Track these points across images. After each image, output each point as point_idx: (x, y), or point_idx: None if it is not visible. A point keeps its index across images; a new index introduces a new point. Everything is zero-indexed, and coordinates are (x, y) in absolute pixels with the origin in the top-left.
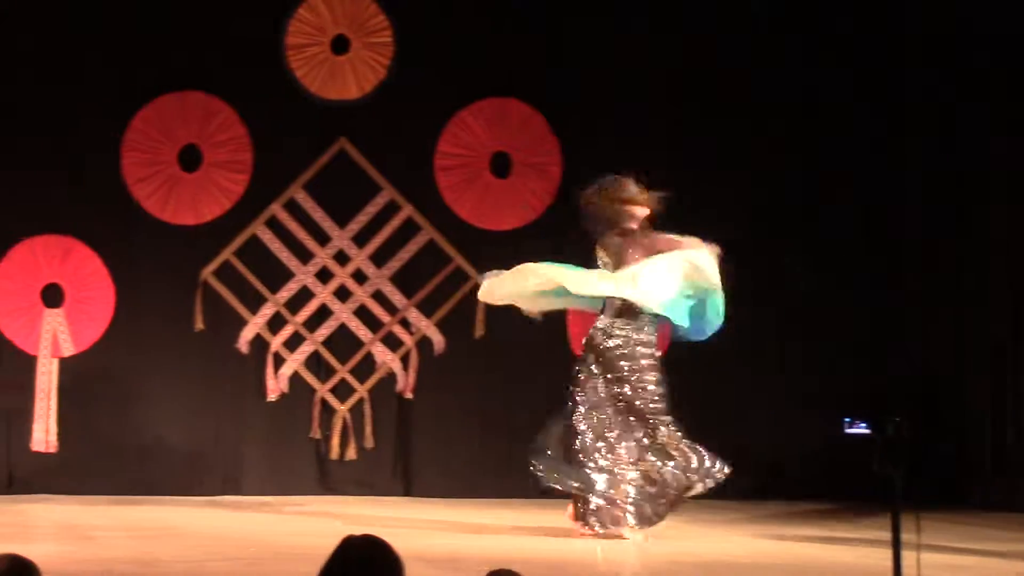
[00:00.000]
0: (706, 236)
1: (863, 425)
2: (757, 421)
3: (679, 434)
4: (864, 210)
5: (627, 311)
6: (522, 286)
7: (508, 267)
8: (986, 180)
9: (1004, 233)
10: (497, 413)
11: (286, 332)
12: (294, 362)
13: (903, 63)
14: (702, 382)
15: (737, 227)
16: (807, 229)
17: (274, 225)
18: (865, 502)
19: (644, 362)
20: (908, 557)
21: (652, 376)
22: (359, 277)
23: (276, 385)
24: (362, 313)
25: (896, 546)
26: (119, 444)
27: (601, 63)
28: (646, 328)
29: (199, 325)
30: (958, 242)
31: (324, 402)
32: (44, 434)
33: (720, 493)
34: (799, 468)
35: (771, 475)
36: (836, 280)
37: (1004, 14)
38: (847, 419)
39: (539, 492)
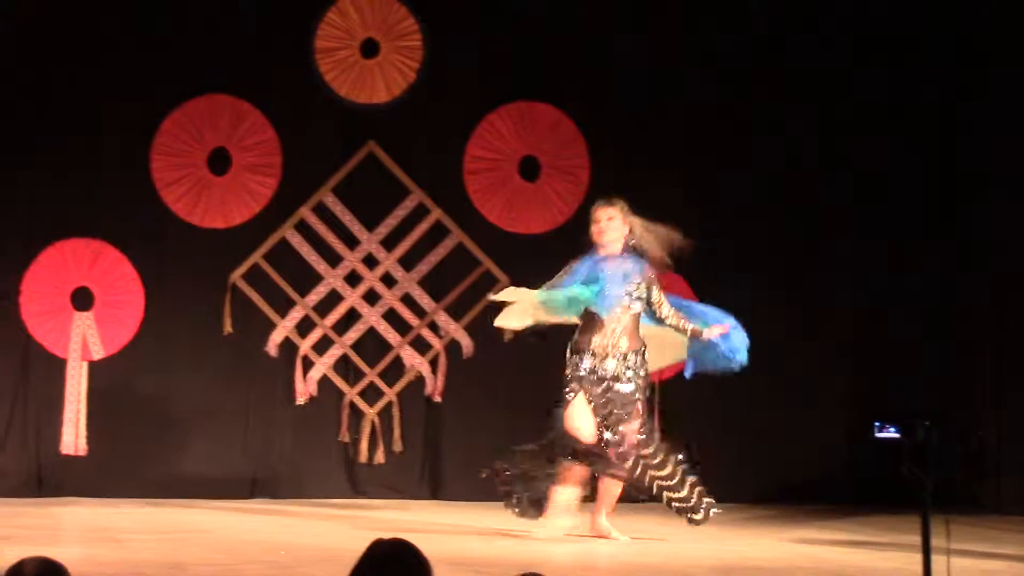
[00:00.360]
0: (739, 235)
1: (893, 429)
2: (780, 423)
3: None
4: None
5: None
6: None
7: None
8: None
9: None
10: (525, 417)
11: (315, 335)
12: (323, 365)
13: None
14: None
15: (771, 226)
16: (838, 226)
17: (303, 228)
18: (893, 506)
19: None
20: (938, 562)
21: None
22: (388, 280)
23: (305, 388)
24: (391, 316)
25: (926, 551)
26: (148, 447)
27: (630, 65)
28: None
29: (228, 328)
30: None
31: (353, 405)
32: (74, 437)
33: (744, 496)
34: (825, 471)
35: (795, 478)
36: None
37: None
38: (877, 423)
39: None
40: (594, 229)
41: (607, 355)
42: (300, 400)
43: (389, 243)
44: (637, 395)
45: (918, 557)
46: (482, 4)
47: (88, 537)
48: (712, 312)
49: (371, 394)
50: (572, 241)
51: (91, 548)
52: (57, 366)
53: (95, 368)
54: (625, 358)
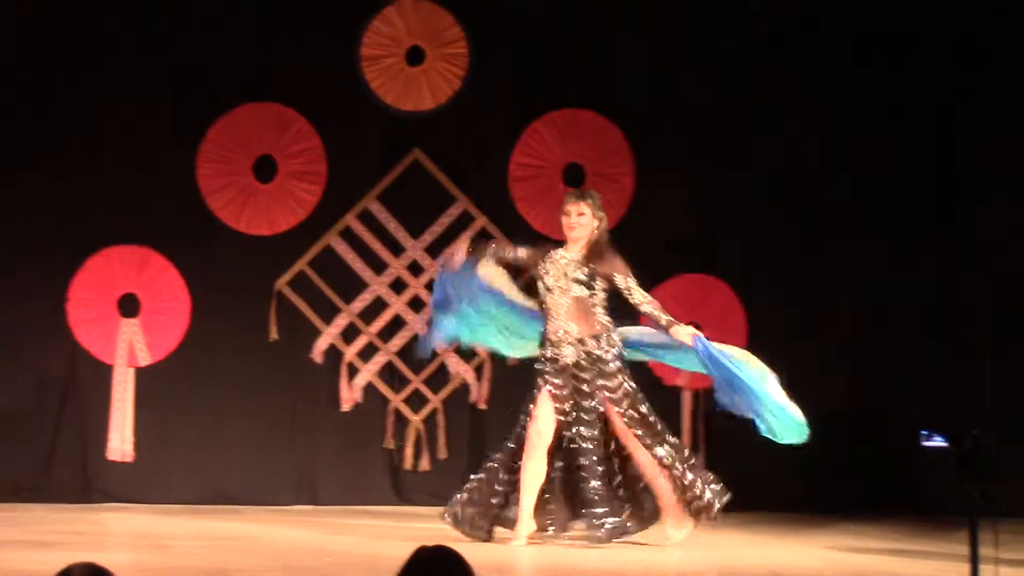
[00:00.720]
0: (775, 236)
1: (940, 438)
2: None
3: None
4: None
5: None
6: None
7: None
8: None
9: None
10: None
11: (360, 342)
12: (368, 372)
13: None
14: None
15: (806, 227)
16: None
17: (348, 236)
18: (941, 515)
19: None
20: (985, 572)
21: None
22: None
23: (350, 395)
24: None
25: (974, 560)
26: (194, 454)
27: (672, 71)
28: None
29: (273, 335)
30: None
31: (398, 412)
32: (120, 443)
33: (789, 503)
34: (870, 478)
35: (840, 485)
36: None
37: None
38: (924, 431)
39: None
40: (564, 221)
41: (561, 341)
42: (345, 407)
43: (434, 250)
44: (612, 388)
45: (965, 567)
46: (528, 11)
47: (135, 543)
48: (736, 359)
49: (416, 401)
50: (618, 247)
51: (137, 554)
52: (104, 372)
53: (142, 374)
54: (582, 342)
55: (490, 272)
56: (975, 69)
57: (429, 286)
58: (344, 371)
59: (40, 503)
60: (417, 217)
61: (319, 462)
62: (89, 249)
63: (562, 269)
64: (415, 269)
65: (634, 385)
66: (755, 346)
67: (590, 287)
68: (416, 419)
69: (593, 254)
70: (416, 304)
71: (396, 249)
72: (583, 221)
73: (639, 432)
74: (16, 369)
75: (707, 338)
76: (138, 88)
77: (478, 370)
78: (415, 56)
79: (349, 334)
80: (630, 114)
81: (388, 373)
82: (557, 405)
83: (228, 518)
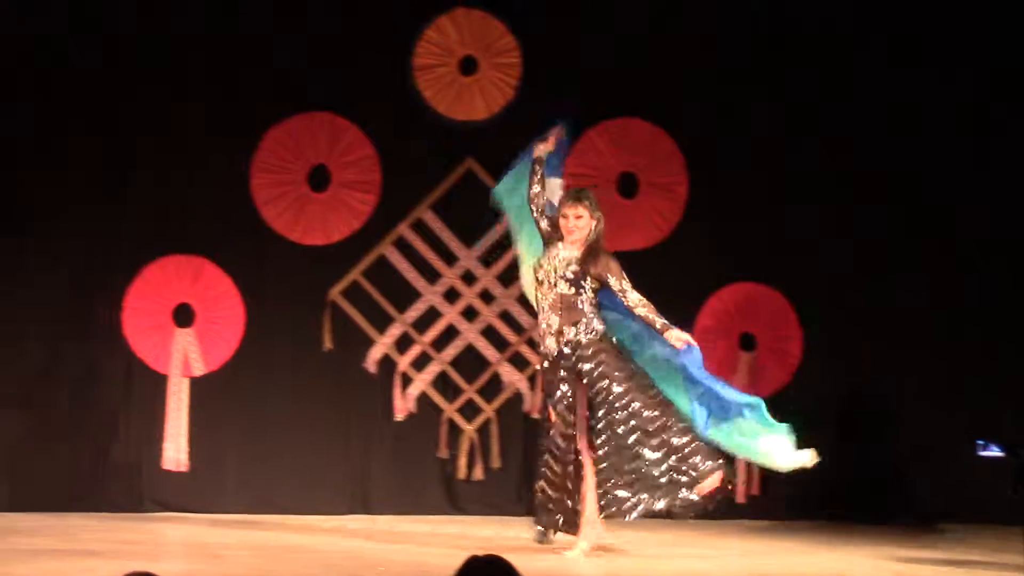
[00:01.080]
0: (830, 244)
1: (997, 448)
2: (883, 436)
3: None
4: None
5: None
6: None
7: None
8: None
9: None
10: None
11: (414, 352)
12: (421, 382)
13: None
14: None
15: (873, 229)
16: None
17: (402, 245)
18: (1001, 524)
19: None
20: None
21: None
22: (486, 297)
23: (404, 405)
24: (489, 333)
25: None
26: (248, 463)
27: (726, 79)
28: None
29: (328, 345)
30: None
31: (451, 422)
32: (175, 453)
33: (839, 511)
34: (926, 487)
35: (897, 494)
36: None
37: None
38: (980, 441)
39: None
40: (561, 223)
41: (545, 334)
42: (399, 416)
43: (487, 260)
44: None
45: None
46: (581, 20)
47: (189, 552)
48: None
49: (469, 410)
50: (671, 257)
51: (192, 563)
52: (159, 382)
53: (196, 384)
54: (561, 333)
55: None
56: None
57: (483, 295)
58: (398, 381)
59: (94, 512)
60: (470, 227)
61: (372, 472)
62: (144, 259)
63: (555, 265)
64: (468, 278)
65: (623, 365)
66: (810, 356)
67: (578, 286)
68: (470, 428)
69: (589, 255)
70: (469, 313)
71: (449, 259)
72: (581, 224)
73: (590, 415)
74: (71, 378)
75: (761, 347)
76: (193, 98)
77: (531, 379)
78: (468, 66)
79: (403, 344)
80: (683, 123)
81: (442, 383)
82: (551, 402)
83: (281, 528)
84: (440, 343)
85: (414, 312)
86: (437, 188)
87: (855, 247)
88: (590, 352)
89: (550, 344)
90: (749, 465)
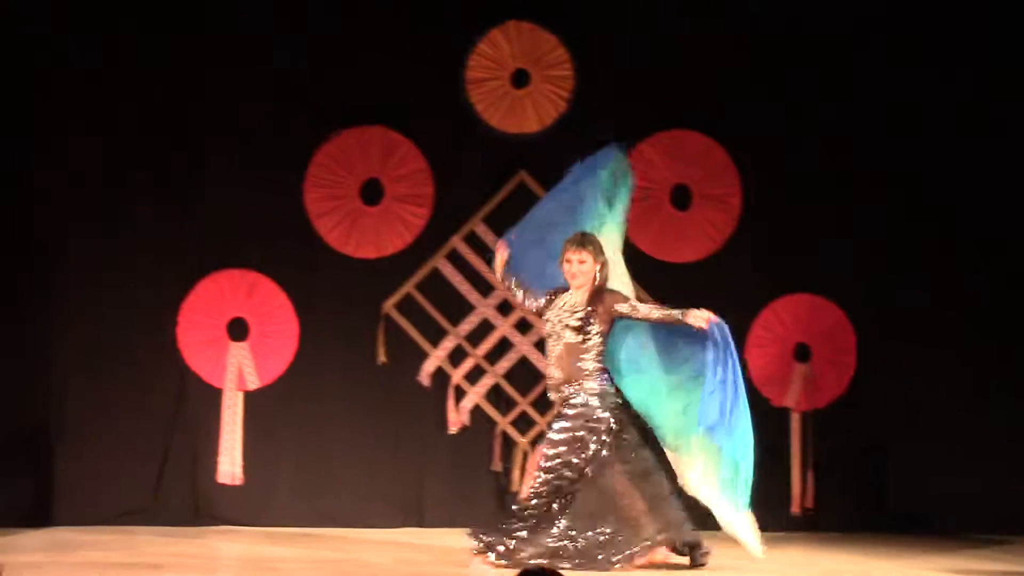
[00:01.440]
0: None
1: None
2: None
3: None
4: None
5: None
6: None
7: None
8: None
9: None
10: None
11: (467, 365)
12: (475, 395)
13: None
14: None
15: (916, 244)
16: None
17: (455, 258)
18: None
19: None
20: None
21: None
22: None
23: (457, 418)
24: (543, 346)
25: None
26: (302, 477)
27: (777, 91)
28: None
29: (381, 358)
30: None
31: (505, 435)
32: (231, 466)
33: (898, 524)
34: (997, 501)
35: (966, 509)
36: None
37: None
38: None
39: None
40: (565, 269)
41: (550, 386)
42: (453, 429)
43: None
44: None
45: None
46: (633, 33)
47: (243, 566)
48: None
49: (523, 423)
50: (725, 269)
51: None
52: (213, 396)
53: (250, 398)
54: (558, 389)
55: None
56: None
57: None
58: (451, 393)
59: (150, 526)
60: None
61: (426, 484)
62: (199, 273)
63: (560, 315)
64: None
65: (597, 450)
66: (865, 367)
67: (584, 332)
68: (523, 441)
69: (595, 296)
70: (522, 326)
71: None
72: (584, 269)
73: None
74: (127, 392)
75: (816, 358)
76: (245, 113)
77: None
78: (520, 79)
79: (456, 356)
80: (736, 134)
81: (495, 395)
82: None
83: (335, 540)
84: (493, 356)
85: (467, 325)
86: (490, 201)
87: (912, 256)
88: (570, 423)
89: (553, 396)
90: (805, 477)
